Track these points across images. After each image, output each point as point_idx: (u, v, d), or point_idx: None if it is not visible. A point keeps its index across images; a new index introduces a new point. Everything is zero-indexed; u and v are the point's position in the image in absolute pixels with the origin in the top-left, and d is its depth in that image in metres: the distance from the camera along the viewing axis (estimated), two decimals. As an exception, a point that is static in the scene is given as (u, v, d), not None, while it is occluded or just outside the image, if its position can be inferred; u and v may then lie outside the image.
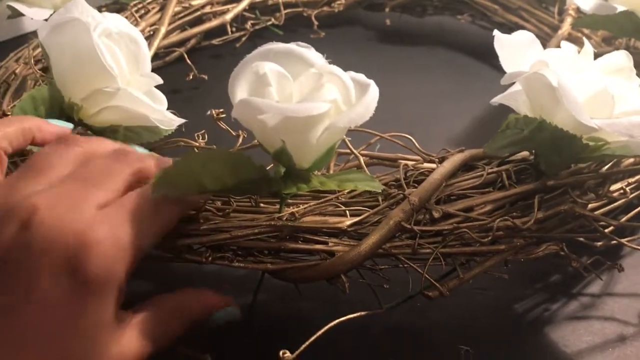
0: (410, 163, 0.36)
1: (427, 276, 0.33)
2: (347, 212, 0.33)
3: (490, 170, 0.35)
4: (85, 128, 0.39)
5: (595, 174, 0.35)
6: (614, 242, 0.37)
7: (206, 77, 0.58)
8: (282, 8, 0.66)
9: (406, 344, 0.37)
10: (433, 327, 0.37)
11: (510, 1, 0.61)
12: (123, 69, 0.37)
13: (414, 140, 0.38)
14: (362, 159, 0.37)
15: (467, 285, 0.35)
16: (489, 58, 0.64)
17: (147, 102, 0.37)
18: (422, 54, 0.66)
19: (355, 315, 0.31)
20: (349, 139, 0.37)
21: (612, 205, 0.37)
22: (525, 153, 0.36)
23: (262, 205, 0.35)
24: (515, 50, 0.34)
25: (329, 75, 0.30)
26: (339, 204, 0.34)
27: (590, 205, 0.35)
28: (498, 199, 0.34)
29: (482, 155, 0.37)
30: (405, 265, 0.34)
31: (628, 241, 0.37)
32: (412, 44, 0.67)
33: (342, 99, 0.30)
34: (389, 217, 0.33)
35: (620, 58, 0.33)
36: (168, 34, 0.61)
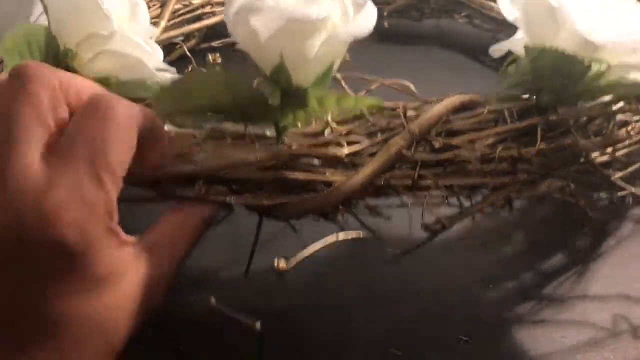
0: (410, 105, 0.36)
1: (427, 208, 0.32)
2: (345, 143, 0.32)
3: (491, 109, 0.34)
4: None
5: (598, 110, 0.34)
6: (620, 192, 0.36)
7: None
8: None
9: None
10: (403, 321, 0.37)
11: (507, -3, 0.62)
12: (120, 16, 0.37)
13: (412, 87, 0.37)
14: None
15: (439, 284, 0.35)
16: (485, 57, 0.65)
17: (144, 45, 0.37)
18: (419, 54, 0.67)
19: (354, 234, 0.30)
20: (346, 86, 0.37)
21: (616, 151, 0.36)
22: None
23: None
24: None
25: None
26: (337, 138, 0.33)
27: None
28: (500, 133, 0.33)
29: (483, 100, 0.36)
30: (405, 204, 0.33)
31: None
32: (409, 44, 0.68)
33: (339, 14, 0.30)
34: (388, 145, 0.32)
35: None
36: (168, 29, 0.61)
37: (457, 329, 0.36)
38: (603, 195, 0.38)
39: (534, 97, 0.35)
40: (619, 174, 0.36)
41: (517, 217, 0.44)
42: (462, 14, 0.66)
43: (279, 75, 0.30)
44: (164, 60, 0.60)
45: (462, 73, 0.63)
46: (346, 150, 0.32)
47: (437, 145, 0.32)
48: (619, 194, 0.37)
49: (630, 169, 0.37)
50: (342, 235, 0.30)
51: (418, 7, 0.68)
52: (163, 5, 0.62)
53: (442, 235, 0.40)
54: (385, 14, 0.69)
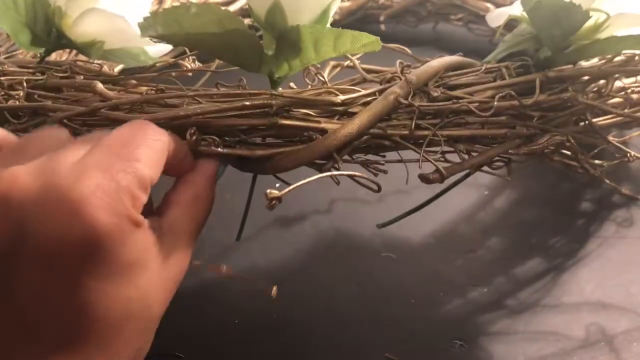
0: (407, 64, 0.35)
1: (425, 156, 0.31)
2: (339, 93, 0.32)
3: (489, 66, 0.34)
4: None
5: (597, 69, 0.34)
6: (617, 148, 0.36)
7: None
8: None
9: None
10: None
11: (503, -2, 0.62)
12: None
13: (409, 51, 0.37)
14: (358, 63, 0.36)
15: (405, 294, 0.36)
16: (481, 59, 0.65)
17: (132, 9, 0.36)
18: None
19: (349, 173, 0.29)
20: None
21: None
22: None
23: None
24: None
25: None
26: (332, 89, 0.32)
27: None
28: (499, 87, 0.33)
29: (481, 64, 0.36)
30: (402, 159, 0.32)
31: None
32: (405, 46, 0.68)
33: None
34: (385, 93, 0.31)
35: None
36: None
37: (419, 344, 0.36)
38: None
39: (532, 56, 0.34)
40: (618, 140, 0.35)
41: (501, 220, 0.45)
42: (458, 17, 0.66)
43: (275, 16, 0.30)
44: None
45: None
46: (342, 97, 0.31)
47: (435, 94, 0.31)
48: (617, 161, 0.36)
49: (629, 136, 0.36)
50: (336, 172, 0.29)
51: (414, 10, 0.68)
52: (160, 2, 0.62)
53: (434, 238, 0.42)
54: (381, 18, 0.69)
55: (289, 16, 0.29)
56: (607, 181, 0.41)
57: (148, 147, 0.26)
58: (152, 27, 0.27)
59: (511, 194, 0.48)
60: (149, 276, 0.25)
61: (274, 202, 0.26)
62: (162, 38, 0.28)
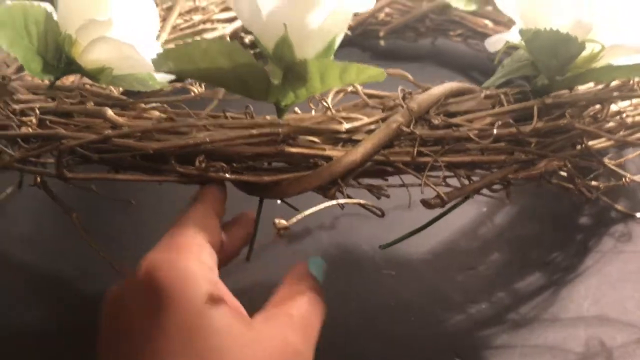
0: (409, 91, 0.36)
1: (427, 182, 0.32)
2: (344, 122, 0.33)
3: (488, 93, 0.35)
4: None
5: (593, 95, 0.35)
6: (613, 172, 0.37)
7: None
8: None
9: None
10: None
11: (501, 15, 0.63)
12: (122, 6, 0.38)
13: (410, 77, 0.38)
14: (361, 89, 0.37)
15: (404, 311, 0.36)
16: (480, 75, 0.66)
17: (140, 35, 0.37)
18: (415, 73, 0.68)
19: (354, 201, 0.30)
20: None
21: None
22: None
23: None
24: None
25: None
26: (337, 116, 0.33)
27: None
28: (498, 114, 0.34)
29: (480, 89, 0.37)
30: (404, 184, 0.33)
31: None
32: (405, 62, 0.69)
33: None
34: (388, 121, 0.32)
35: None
36: (168, 43, 0.62)
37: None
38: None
39: (530, 83, 0.35)
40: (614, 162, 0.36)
41: (500, 236, 0.46)
42: (457, 33, 0.67)
43: (283, 49, 0.31)
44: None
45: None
46: (346, 125, 0.32)
47: (436, 122, 0.32)
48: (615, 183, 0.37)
49: (624, 158, 0.37)
50: (342, 200, 0.30)
51: (413, 26, 0.69)
52: (164, 20, 0.63)
53: (433, 255, 0.43)
54: (381, 34, 0.70)
55: (297, 49, 0.31)
56: (604, 198, 0.41)
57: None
58: (165, 63, 0.28)
59: (510, 209, 0.48)
60: None
61: (281, 231, 0.27)
62: (175, 73, 0.29)
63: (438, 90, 0.34)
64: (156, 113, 0.35)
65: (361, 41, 0.72)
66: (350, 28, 0.71)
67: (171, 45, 0.61)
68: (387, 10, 0.70)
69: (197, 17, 0.65)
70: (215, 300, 0.26)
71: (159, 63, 0.28)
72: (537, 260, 0.43)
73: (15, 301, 0.40)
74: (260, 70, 0.30)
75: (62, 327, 0.38)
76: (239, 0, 0.31)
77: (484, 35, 0.65)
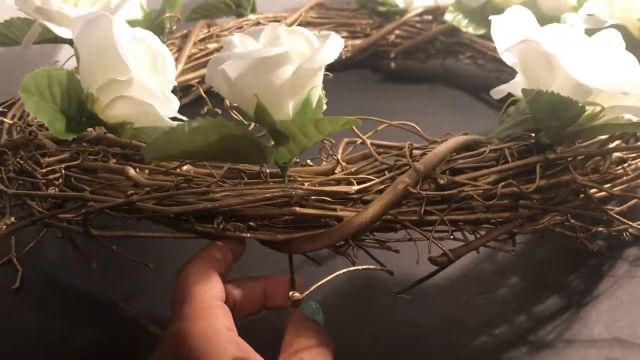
0: (415, 145, 0.38)
1: (434, 241, 0.33)
2: (354, 181, 0.34)
3: (492, 148, 0.36)
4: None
5: (595, 149, 0.36)
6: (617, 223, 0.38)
7: (220, 111, 0.60)
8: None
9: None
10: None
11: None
12: (140, 66, 0.40)
13: (418, 128, 0.39)
14: (369, 142, 0.38)
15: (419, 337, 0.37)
16: (489, 96, 0.67)
17: (158, 94, 0.39)
18: (425, 94, 0.69)
19: (366, 267, 0.32)
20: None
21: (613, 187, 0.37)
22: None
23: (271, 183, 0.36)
24: (509, 27, 0.36)
25: (291, 32, 0.32)
26: (345, 177, 0.35)
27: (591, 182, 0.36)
28: (502, 171, 0.35)
29: (485, 141, 0.38)
30: (412, 238, 0.34)
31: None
32: (415, 83, 0.70)
33: (306, 49, 0.32)
34: (395, 182, 0.34)
35: (611, 34, 0.35)
36: (185, 72, 0.64)
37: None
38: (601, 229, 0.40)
39: (533, 136, 0.37)
40: (616, 209, 0.37)
41: (515, 259, 0.46)
42: (467, 55, 0.68)
43: (262, 115, 0.32)
44: (180, 102, 0.63)
45: (466, 112, 0.65)
46: (355, 187, 0.34)
47: (442, 182, 0.34)
48: (617, 228, 0.39)
49: (627, 204, 0.39)
50: (352, 268, 0.31)
51: (423, 48, 0.70)
52: (180, 50, 0.65)
53: (448, 280, 0.43)
54: (392, 55, 0.71)
55: (274, 110, 0.32)
56: (617, 219, 0.41)
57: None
58: (156, 150, 0.30)
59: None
60: None
61: (296, 304, 0.28)
62: (167, 158, 0.31)
63: (444, 147, 0.35)
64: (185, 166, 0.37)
65: (372, 62, 0.73)
66: (361, 49, 0.73)
67: (188, 76, 0.64)
68: (397, 32, 0.71)
69: (212, 46, 0.67)
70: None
71: (151, 151, 0.30)
72: (551, 284, 0.44)
73: (59, 323, 0.42)
74: (251, 139, 0.32)
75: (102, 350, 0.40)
76: (212, 75, 0.32)
77: (494, 59, 0.67)
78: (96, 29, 0.39)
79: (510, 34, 0.36)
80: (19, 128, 0.43)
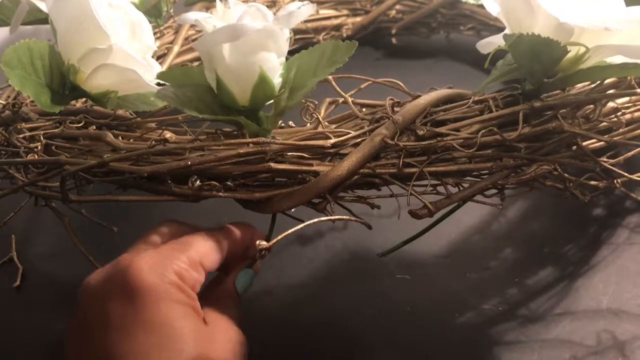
0: (397, 100, 0.36)
1: (414, 193, 0.32)
2: (332, 135, 0.34)
3: (476, 99, 0.35)
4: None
5: (585, 95, 0.34)
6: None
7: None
8: (292, 34, 0.69)
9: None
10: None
11: (510, 6, 0.62)
12: (119, 33, 0.39)
13: (402, 84, 0.38)
14: (350, 99, 0.37)
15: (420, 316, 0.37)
16: (492, 67, 0.66)
17: (140, 59, 0.38)
18: (428, 67, 0.68)
19: (339, 217, 0.31)
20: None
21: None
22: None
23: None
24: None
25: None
26: (324, 131, 0.34)
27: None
28: (485, 120, 0.34)
29: (470, 94, 0.37)
30: (394, 194, 0.33)
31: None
32: (419, 58, 0.69)
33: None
34: (372, 134, 0.32)
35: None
36: (181, 54, 0.64)
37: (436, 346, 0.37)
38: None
39: (519, 87, 0.35)
40: (611, 161, 0.36)
41: (511, 231, 0.46)
42: (469, 27, 0.66)
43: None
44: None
45: (472, 86, 0.64)
46: (332, 140, 0.33)
47: (422, 133, 0.33)
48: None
49: (624, 156, 0.37)
50: (324, 218, 0.30)
51: (425, 22, 0.69)
52: (177, 32, 0.64)
53: (448, 258, 0.43)
54: (393, 31, 0.70)
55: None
56: (620, 187, 0.40)
57: (202, 240, 0.32)
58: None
59: (522, 204, 0.48)
60: (179, 347, 0.28)
61: (263, 252, 0.27)
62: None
63: (424, 99, 0.34)
64: (167, 134, 0.36)
65: (374, 40, 0.72)
66: (362, 27, 0.72)
67: (185, 57, 0.63)
68: (398, 7, 0.70)
69: (209, 27, 0.66)
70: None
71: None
72: (550, 254, 0.43)
73: (48, 314, 0.42)
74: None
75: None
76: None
77: (496, 28, 0.65)
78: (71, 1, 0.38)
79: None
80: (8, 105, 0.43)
